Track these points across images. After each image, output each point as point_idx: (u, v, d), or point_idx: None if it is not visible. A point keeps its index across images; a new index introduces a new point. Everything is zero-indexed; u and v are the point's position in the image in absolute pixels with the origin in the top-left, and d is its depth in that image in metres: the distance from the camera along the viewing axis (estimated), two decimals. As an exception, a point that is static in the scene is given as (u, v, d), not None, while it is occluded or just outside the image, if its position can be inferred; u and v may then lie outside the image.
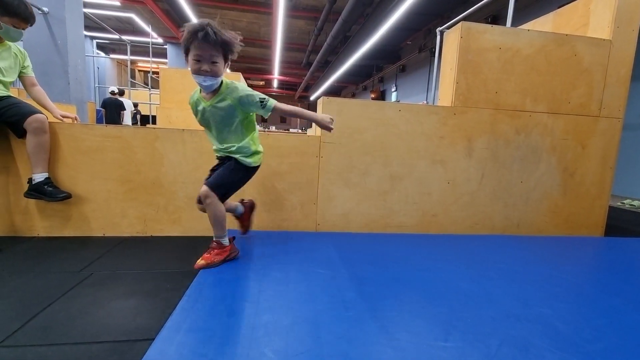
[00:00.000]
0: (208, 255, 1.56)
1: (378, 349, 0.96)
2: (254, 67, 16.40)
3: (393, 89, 11.82)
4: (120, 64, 14.57)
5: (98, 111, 8.31)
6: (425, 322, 1.12)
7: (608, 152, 2.37)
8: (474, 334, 1.07)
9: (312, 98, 18.64)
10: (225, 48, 1.35)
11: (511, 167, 2.30)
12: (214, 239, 1.59)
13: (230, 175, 1.52)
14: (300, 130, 16.00)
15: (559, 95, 2.27)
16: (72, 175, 1.94)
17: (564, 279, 1.56)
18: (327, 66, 11.91)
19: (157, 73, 10.48)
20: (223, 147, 1.55)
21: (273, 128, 19.15)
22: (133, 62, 15.44)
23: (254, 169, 1.61)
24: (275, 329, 1.04)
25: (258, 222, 2.15)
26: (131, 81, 7.50)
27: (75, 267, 1.53)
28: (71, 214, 1.96)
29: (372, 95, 13.13)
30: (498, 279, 1.53)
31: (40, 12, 3.70)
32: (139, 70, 17.43)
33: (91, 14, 5.99)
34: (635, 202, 3.95)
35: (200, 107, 1.51)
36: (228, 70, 13.37)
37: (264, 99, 1.47)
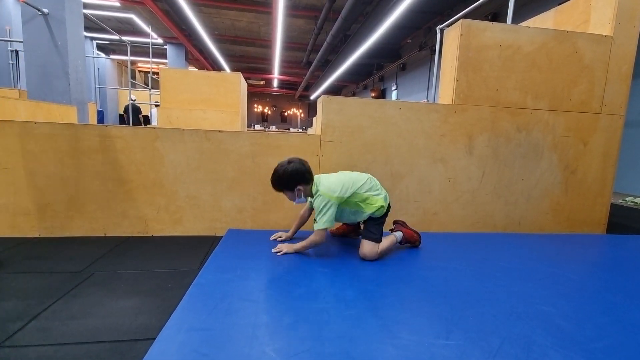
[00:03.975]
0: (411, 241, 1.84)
1: (379, 347, 0.96)
2: (254, 67, 16.38)
3: (393, 88, 11.80)
4: (121, 64, 14.57)
5: (99, 112, 8.52)
6: (427, 321, 1.12)
7: (609, 149, 2.36)
8: (475, 332, 1.06)
9: (312, 97, 18.63)
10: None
11: (512, 165, 2.29)
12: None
13: (370, 226, 1.71)
14: (300, 130, 16.00)
15: (560, 92, 2.26)
16: (73, 176, 1.94)
17: (566, 277, 1.55)
18: (327, 65, 11.88)
19: (157, 73, 10.50)
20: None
21: (273, 127, 19.15)
22: (133, 63, 15.45)
23: (385, 214, 1.75)
24: (277, 328, 1.04)
25: (259, 221, 2.15)
26: (131, 82, 7.52)
27: (76, 267, 1.53)
28: (72, 214, 1.96)
29: (373, 94, 13.10)
30: (499, 277, 1.52)
31: (40, 13, 3.70)
32: (139, 71, 17.43)
33: (91, 15, 5.99)
34: (637, 199, 3.93)
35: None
36: (228, 70, 13.32)
37: (319, 219, 1.62)
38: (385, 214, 1.74)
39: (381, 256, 1.67)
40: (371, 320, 1.11)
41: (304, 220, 1.86)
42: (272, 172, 2.04)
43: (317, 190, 1.65)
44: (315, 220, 1.63)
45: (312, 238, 1.63)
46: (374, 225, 1.70)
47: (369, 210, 1.68)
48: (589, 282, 1.54)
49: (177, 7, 7.70)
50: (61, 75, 3.87)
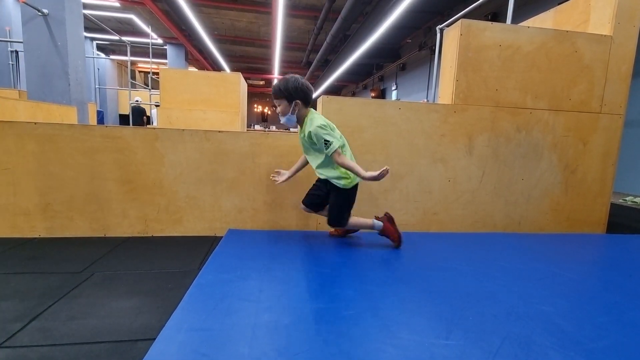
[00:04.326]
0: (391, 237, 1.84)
1: (379, 347, 0.96)
2: (253, 67, 16.39)
3: (393, 88, 11.80)
4: (121, 64, 14.58)
5: (99, 112, 8.62)
6: (427, 321, 1.12)
7: (609, 148, 2.36)
8: (475, 332, 1.06)
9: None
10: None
11: (512, 165, 2.29)
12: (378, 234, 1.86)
13: (337, 201, 1.74)
14: (300, 130, 15.95)
15: (560, 92, 2.26)
16: (73, 176, 1.94)
17: (565, 277, 1.55)
18: (327, 65, 11.88)
19: (157, 74, 10.51)
20: (317, 171, 1.80)
21: (273, 127, 19.13)
22: (133, 63, 15.45)
23: (352, 188, 1.78)
24: (276, 328, 1.04)
25: (259, 221, 2.15)
26: (131, 82, 7.53)
27: (76, 267, 1.53)
28: (72, 214, 1.96)
29: (373, 94, 13.10)
30: (499, 276, 1.52)
31: (40, 13, 3.70)
32: (139, 71, 17.44)
33: (91, 15, 6.00)
34: (637, 199, 3.93)
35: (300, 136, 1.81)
36: (228, 70, 13.45)
37: (328, 142, 1.62)
38: (353, 190, 1.78)
39: (352, 229, 1.82)
40: (371, 320, 1.11)
41: (303, 164, 1.91)
42: (272, 172, 2.05)
43: (313, 118, 1.67)
44: (326, 143, 1.60)
45: (348, 165, 1.62)
46: (344, 203, 1.75)
47: (338, 171, 1.72)
48: (589, 282, 1.54)
49: (176, 7, 7.70)
50: (61, 75, 3.88)
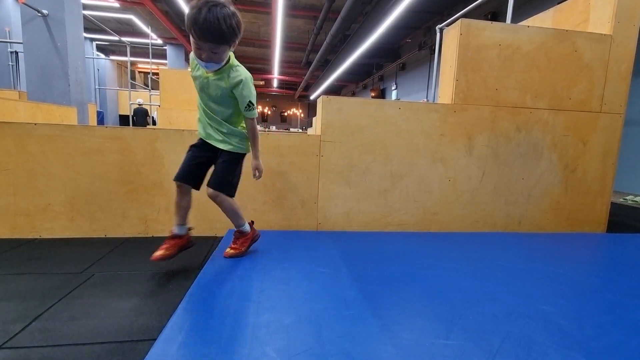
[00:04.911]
0: (235, 245, 1.60)
1: (379, 347, 0.96)
2: (253, 67, 16.40)
3: (393, 87, 11.80)
4: (120, 65, 14.59)
5: (99, 113, 8.71)
6: (427, 320, 1.12)
7: (609, 148, 2.36)
8: (475, 331, 1.06)
9: (312, 97, 18.64)
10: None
11: (512, 164, 2.29)
12: (235, 230, 1.62)
13: (229, 166, 1.49)
14: (300, 130, 16.01)
15: (560, 91, 2.26)
16: (73, 177, 1.94)
17: (566, 276, 1.55)
18: (326, 65, 11.90)
19: (157, 74, 10.51)
20: (218, 128, 1.47)
21: (273, 128, 19.15)
22: (133, 64, 15.47)
23: (244, 155, 1.56)
24: (277, 328, 1.04)
25: (259, 221, 2.15)
26: (131, 82, 7.55)
27: (77, 268, 1.53)
28: (72, 215, 1.96)
29: (372, 94, 13.12)
30: (499, 276, 1.52)
31: (40, 14, 3.71)
32: (139, 72, 17.45)
33: (91, 15, 6.00)
34: (638, 198, 3.93)
35: (198, 73, 1.41)
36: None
37: (253, 105, 1.43)
38: (243, 158, 1.56)
39: (224, 208, 1.53)
40: (371, 320, 1.11)
41: None
42: (272, 172, 1.96)
43: (238, 66, 1.39)
44: (249, 106, 1.40)
45: (255, 134, 1.48)
46: (237, 168, 1.51)
47: (244, 131, 1.50)
48: (589, 281, 1.54)
49: (176, 7, 7.71)
50: (61, 76, 3.88)
